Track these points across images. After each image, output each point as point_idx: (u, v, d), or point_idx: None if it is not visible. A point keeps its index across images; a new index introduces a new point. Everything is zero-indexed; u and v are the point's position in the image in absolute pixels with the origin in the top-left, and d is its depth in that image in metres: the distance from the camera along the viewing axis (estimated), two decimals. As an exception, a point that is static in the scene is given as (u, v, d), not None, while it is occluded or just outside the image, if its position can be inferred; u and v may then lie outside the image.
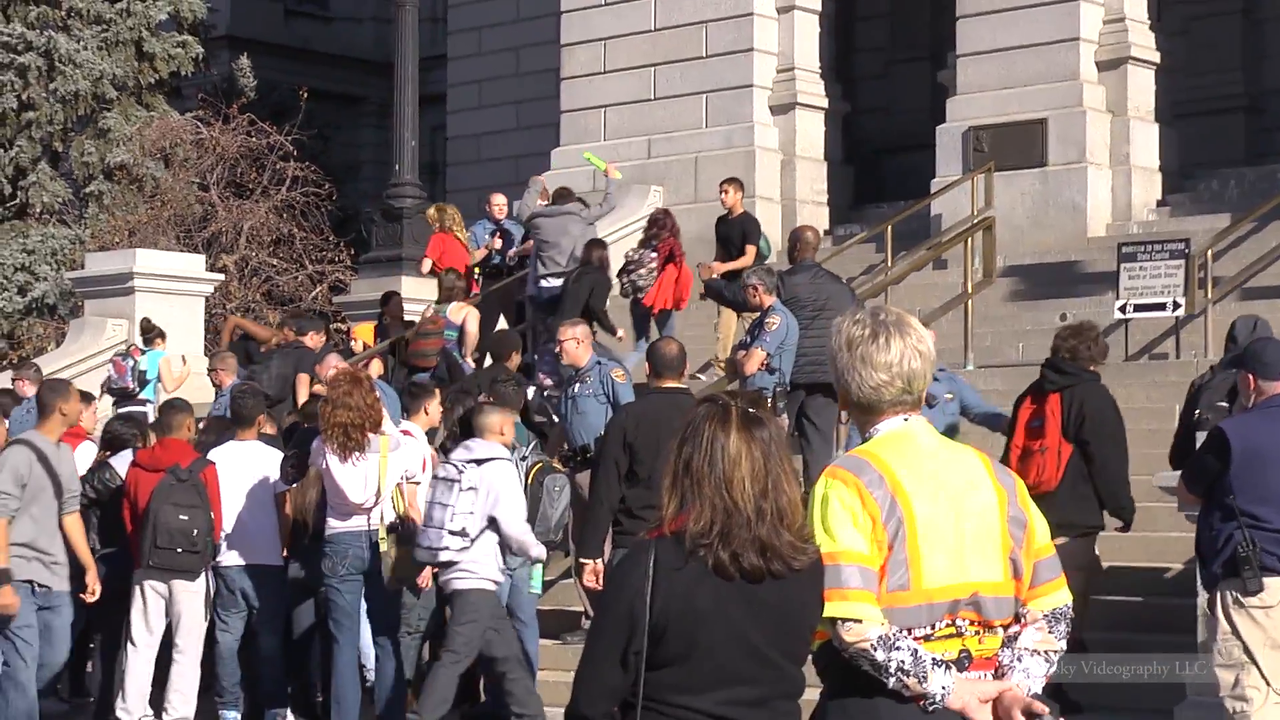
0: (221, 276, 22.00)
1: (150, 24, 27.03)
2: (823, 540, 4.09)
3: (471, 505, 9.55)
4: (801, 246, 13.12)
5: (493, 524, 9.67)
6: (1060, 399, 9.84)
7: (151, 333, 17.91)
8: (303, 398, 14.86)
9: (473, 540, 9.57)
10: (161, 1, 27.29)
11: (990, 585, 4.19)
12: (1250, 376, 7.91)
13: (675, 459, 4.06)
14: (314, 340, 16.08)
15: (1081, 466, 9.75)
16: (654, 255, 16.29)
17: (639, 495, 9.04)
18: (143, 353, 17.66)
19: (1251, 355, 8.01)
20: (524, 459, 10.67)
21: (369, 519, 10.12)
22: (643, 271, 16.17)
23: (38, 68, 26.27)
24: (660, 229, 16.33)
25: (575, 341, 11.88)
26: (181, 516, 10.54)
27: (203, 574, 10.80)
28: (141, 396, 17.24)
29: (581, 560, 9.67)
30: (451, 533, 9.56)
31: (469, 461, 9.78)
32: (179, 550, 10.57)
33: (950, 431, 10.95)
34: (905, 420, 4.32)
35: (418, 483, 10.56)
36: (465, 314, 16.68)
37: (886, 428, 4.31)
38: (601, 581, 9.25)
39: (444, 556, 9.65)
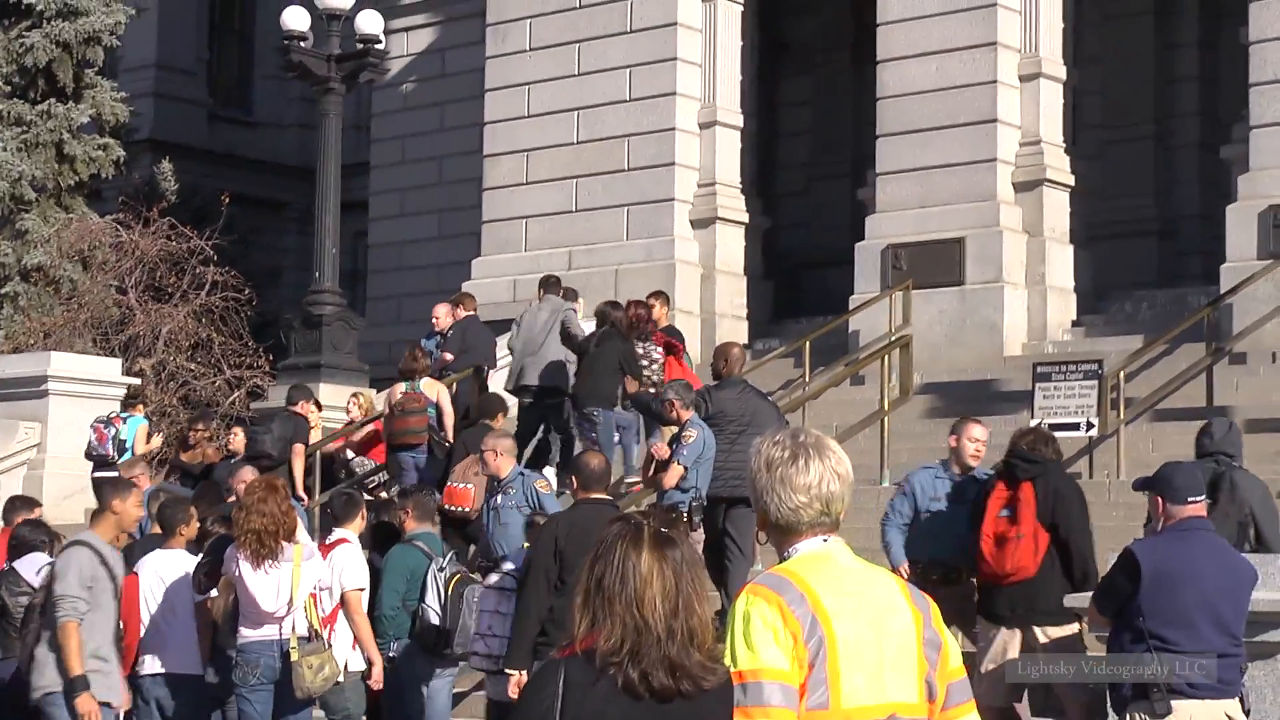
0: (138, 381, 21.83)
1: (72, 126, 26.95)
2: (744, 656, 4.09)
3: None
4: (729, 362, 13.17)
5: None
6: (1033, 486, 9.82)
7: (135, 399, 18.10)
8: (298, 467, 15.40)
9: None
10: (84, 104, 27.24)
11: (907, 707, 4.20)
12: (1159, 500, 7.98)
13: (587, 577, 4.07)
14: (304, 408, 16.75)
15: (1054, 553, 9.78)
16: (658, 349, 16.41)
17: (568, 606, 9.01)
18: (123, 420, 17.83)
19: (1162, 480, 8.07)
20: (441, 569, 10.65)
21: (280, 628, 10.03)
22: (655, 366, 16.22)
23: (-44, 168, 26.13)
24: (641, 321, 16.37)
25: (494, 454, 11.87)
26: None
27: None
28: (121, 463, 17.34)
29: (507, 670, 9.58)
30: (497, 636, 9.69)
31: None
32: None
33: None
34: (825, 541, 4.34)
35: (361, 589, 10.55)
36: (438, 390, 16.63)
37: (806, 548, 4.32)
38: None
39: (474, 663, 9.87)
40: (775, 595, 4.17)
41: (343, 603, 10.48)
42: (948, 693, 4.29)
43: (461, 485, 13.79)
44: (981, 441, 10.86)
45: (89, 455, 17.74)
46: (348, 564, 10.56)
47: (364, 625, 10.40)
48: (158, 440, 18.22)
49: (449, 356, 17.93)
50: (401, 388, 16.49)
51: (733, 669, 4.09)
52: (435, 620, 10.50)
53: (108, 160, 27.24)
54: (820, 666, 4.11)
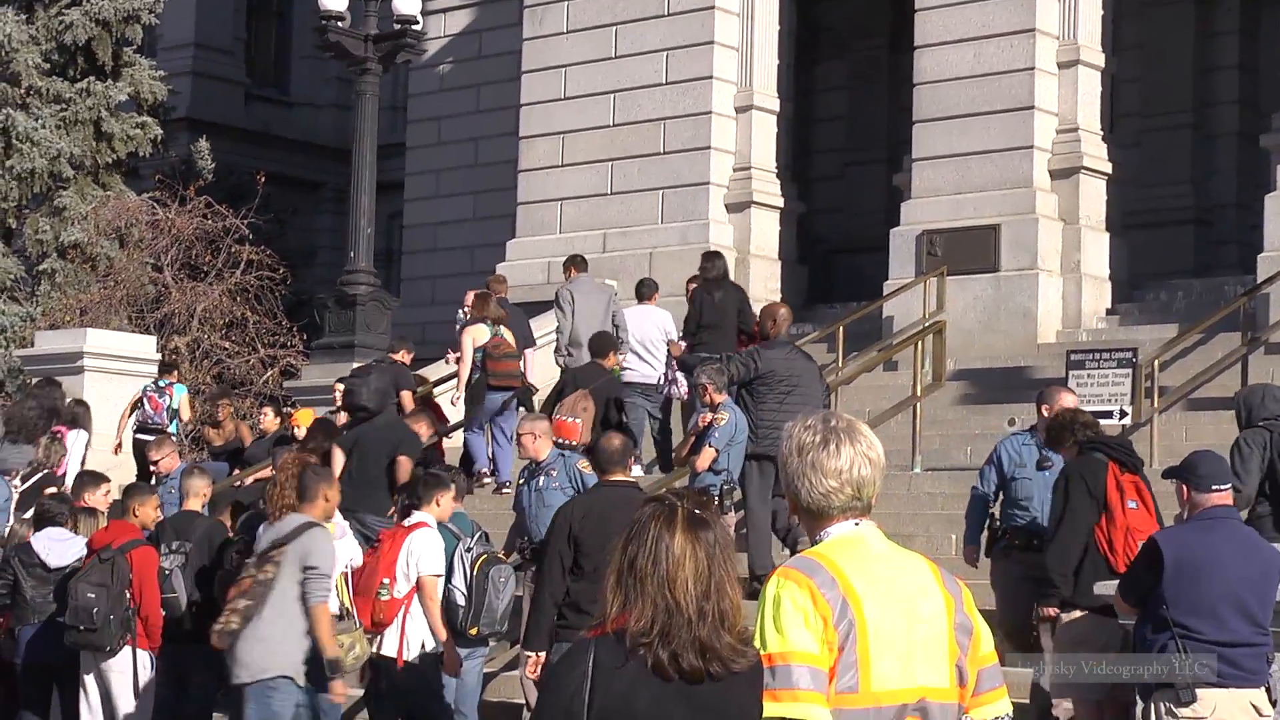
0: (163, 379, 21.90)
1: (110, 104, 27.06)
2: (773, 639, 4.10)
3: None
4: (777, 322, 13.14)
5: None
6: (1140, 477, 9.62)
7: (172, 367, 18.50)
8: (408, 405, 15.70)
9: None
10: (122, 83, 27.34)
11: (937, 691, 4.20)
12: (1184, 487, 7.96)
13: (620, 557, 4.07)
14: (405, 356, 17.02)
15: None
16: None
17: (585, 590, 8.96)
18: (172, 388, 18.33)
19: (1187, 466, 8.05)
20: (469, 550, 10.63)
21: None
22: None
23: (-6, 145, 26.26)
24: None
25: (532, 436, 11.79)
26: (89, 594, 10.78)
27: (125, 651, 10.83)
28: (169, 431, 17.83)
29: (525, 653, 9.63)
30: None
31: None
32: (80, 627, 10.84)
33: None
34: (856, 525, 4.34)
35: (438, 575, 10.39)
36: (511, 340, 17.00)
37: (838, 531, 4.33)
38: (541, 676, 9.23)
39: None
40: (806, 578, 4.17)
41: (418, 587, 10.35)
42: (979, 678, 4.29)
43: (571, 419, 13.85)
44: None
45: (144, 425, 18.01)
46: (425, 549, 10.35)
47: (436, 611, 10.29)
48: (190, 416, 18.59)
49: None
50: (484, 331, 16.64)
51: (762, 652, 4.10)
52: (460, 601, 10.48)
53: (145, 138, 27.34)
54: (850, 650, 4.12)
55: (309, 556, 9.41)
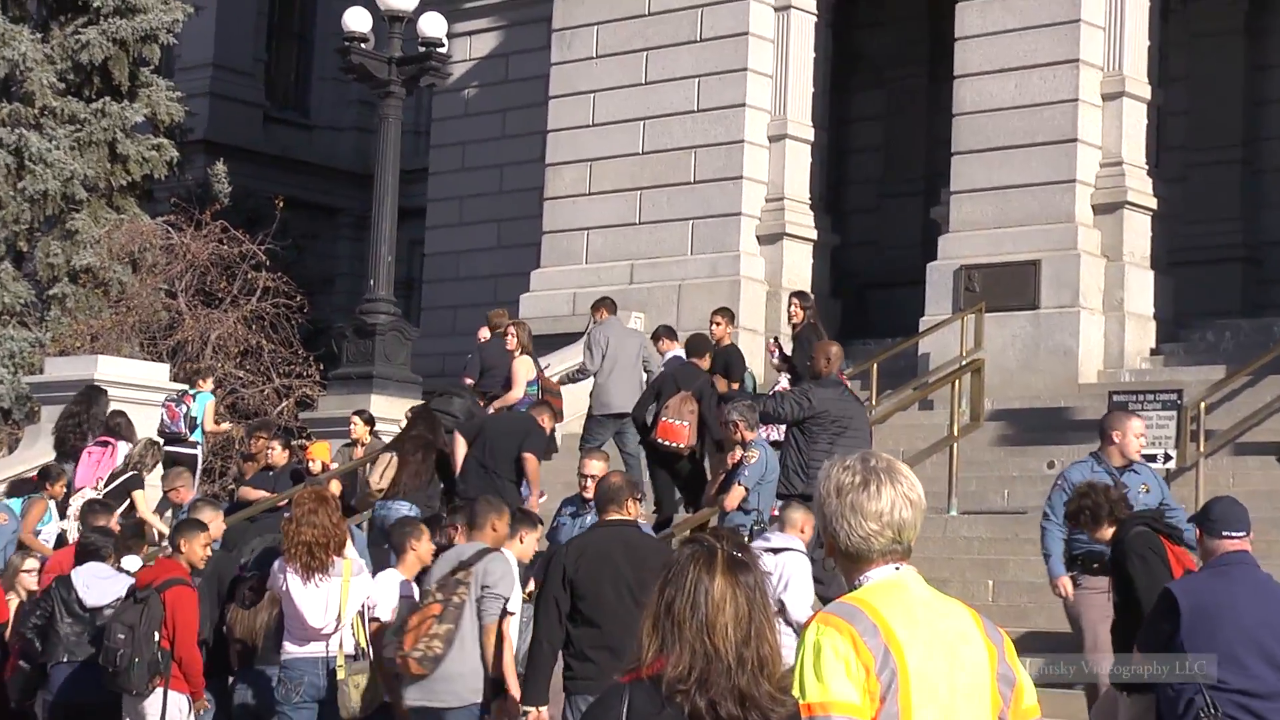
0: (185, 387, 21.95)
1: (125, 125, 27.17)
2: (813, 688, 4.07)
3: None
4: (830, 361, 13.17)
5: (781, 608, 9.88)
6: (1185, 547, 9.49)
7: (198, 375, 18.83)
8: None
9: None
10: (138, 103, 27.46)
11: (979, 744, 4.18)
12: (1200, 533, 8.04)
13: (658, 600, 4.06)
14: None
15: None
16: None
17: (588, 635, 8.77)
18: (193, 397, 18.45)
19: (1203, 512, 8.18)
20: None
21: (328, 645, 10.05)
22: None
23: (6, 165, 26.34)
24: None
25: (593, 479, 11.74)
26: (119, 635, 10.73)
27: (156, 694, 10.77)
28: (192, 439, 18.10)
29: (524, 708, 9.22)
30: None
31: (767, 550, 10.38)
32: (110, 669, 10.81)
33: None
34: (897, 569, 4.31)
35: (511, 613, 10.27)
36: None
37: (878, 576, 4.30)
38: None
39: None
40: (847, 625, 4.14)
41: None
42: (1021, 732, 4.26)
43: (677, 422, 13.83)
44: (1145, 435, 11.20)
45: (161, 433, 18.18)
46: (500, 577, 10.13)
47: (506, 650, 10.01)
48: (227, 426, 18.63)
49: (469, 380, 17.94)
50: (532, 365, 17.03)
51: (801, 701, 4.07)
52: None
53: (161, 161, 27.45)
54: (892, 700, 4.09)
55: (487, 576, 9.63)
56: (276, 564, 10.02)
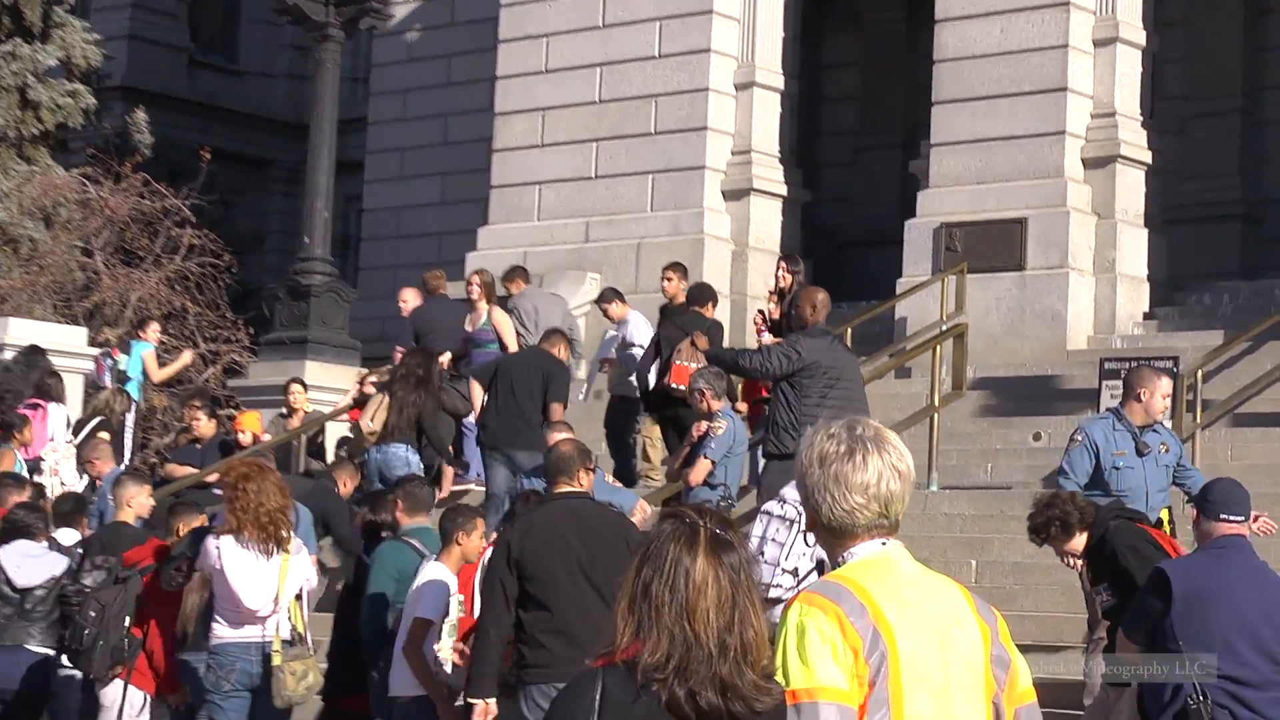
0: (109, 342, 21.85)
1: (37, 69, 26.94)
2: (798, 674, 4.06)
3: (805, 546, 9.51)
4: (816, 309, 13.00)
5: (820, 566, 9.87)
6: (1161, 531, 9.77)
7: (144, 325, 18.81)
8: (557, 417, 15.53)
9: (800, 580, 9.55)
10: (51, 45, 27.25)
11: (973, 731, 4.18)
12: (1196, 514, 8.26)
13: (634, 580, 4.03)
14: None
15: None
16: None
17: (538, 620, 8.68)
18: (123, 350, 18.35)
19: (1202, 492, 8.35)
20: None
21: (264, 629, 10.02)
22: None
23: (-92, 114, 26.18)
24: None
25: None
26: (90, 613, 10.76)
27: (115, 685, 10.79)
28: (129, 393, 17.86)
29: (470, 700, 9.17)
30: (784, 570, 9.53)
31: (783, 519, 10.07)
32: (74, 646, 10.86)
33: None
34: (883, 544, 4.31)
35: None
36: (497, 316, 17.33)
37: (863, 552, 4.29)
38: None
39: (774, 594, 9.67)
40: (833, 605, 4.13)
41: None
42: (1016, 718, 4.27)
43: (692, 364, 14.16)
44: (1170, 395, 11.33)
45: (90, 388, 18.19)
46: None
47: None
48: (188, 357, 18.56)
49: (400, 349, 17.92)
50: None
51: (785, 688, 4.06)
52: None
53: (76, 108, 27.23)
54: (881, 685, 4.08)
55: None
56: (210, 540, 9.98)
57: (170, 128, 31.50)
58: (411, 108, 28.96)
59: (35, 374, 17.38)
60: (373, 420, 14.82)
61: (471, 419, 16.02)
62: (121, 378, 18.11)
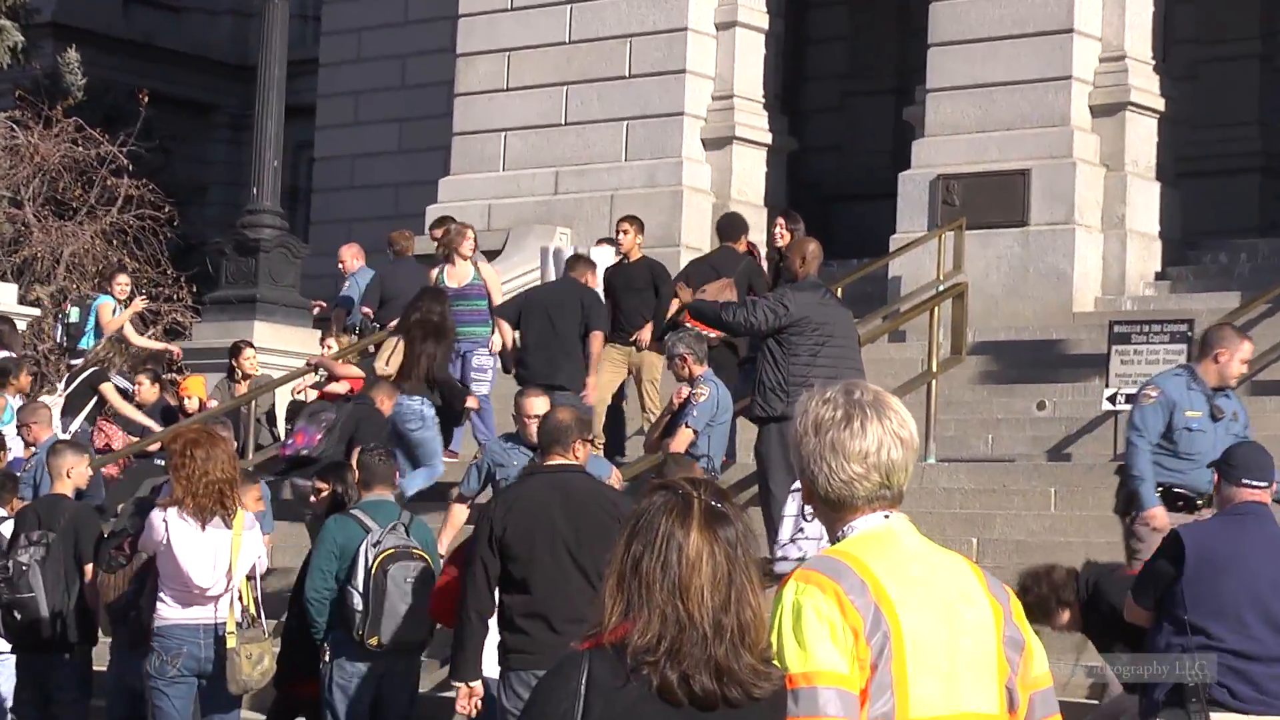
0: (35, 311, 21.79)
1: (-40, 5, 26.88)
2: (795, 657, 4.07)
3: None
4: (806, 260, 12.89)
5: None
6: None
7: (112, 278, 19.10)
8: (596, 347, 15.87)
9: None
10: (-25, -21, 27.17)
11: (985, 718, 4.20)
12: (1217, 478, 8.37)
13: (623, 556, 4.02)
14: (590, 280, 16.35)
15: None
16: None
17: (518, 602, 8.67)
18: (75, 304, 18.64)
19: (1223, 457, 8.47)
20: (376, 544, 10.44)
21: (215, 609, 10.01)
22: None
23: None
24: None
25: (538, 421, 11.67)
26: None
27: None
28: (81, 348, 18.09)
29: (454, 683, 9.26)
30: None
31: None
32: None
33: None
34: (886, 517, 4.32)
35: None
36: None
37: (864, 525, 4.30)
38: (482, 706, 9.13)
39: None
40: (831, 583, 4.13)
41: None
42: (1031, 703, 4.28)
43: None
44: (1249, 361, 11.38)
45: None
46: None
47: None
48: (139, 304, 18.68)
49: (367, 310, 17.88)
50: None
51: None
52: (358, 605, 10.37)
53: (3, 47, 27.14)
54: (885, 668, 4.09)
55: None
56: (154, 514, 9.96)
57: (105, 69, 31.39)
58: (366, 48, 28.86)
59: None
60: (388, 364, 14.95)
61: (486, 357, 16.45)
62: (71, 331, 18.17)
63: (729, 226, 16.88)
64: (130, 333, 18.38)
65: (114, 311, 18.42)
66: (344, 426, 14.02)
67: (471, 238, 17.48)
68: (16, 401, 15.72)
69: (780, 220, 17.45)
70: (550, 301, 15.33)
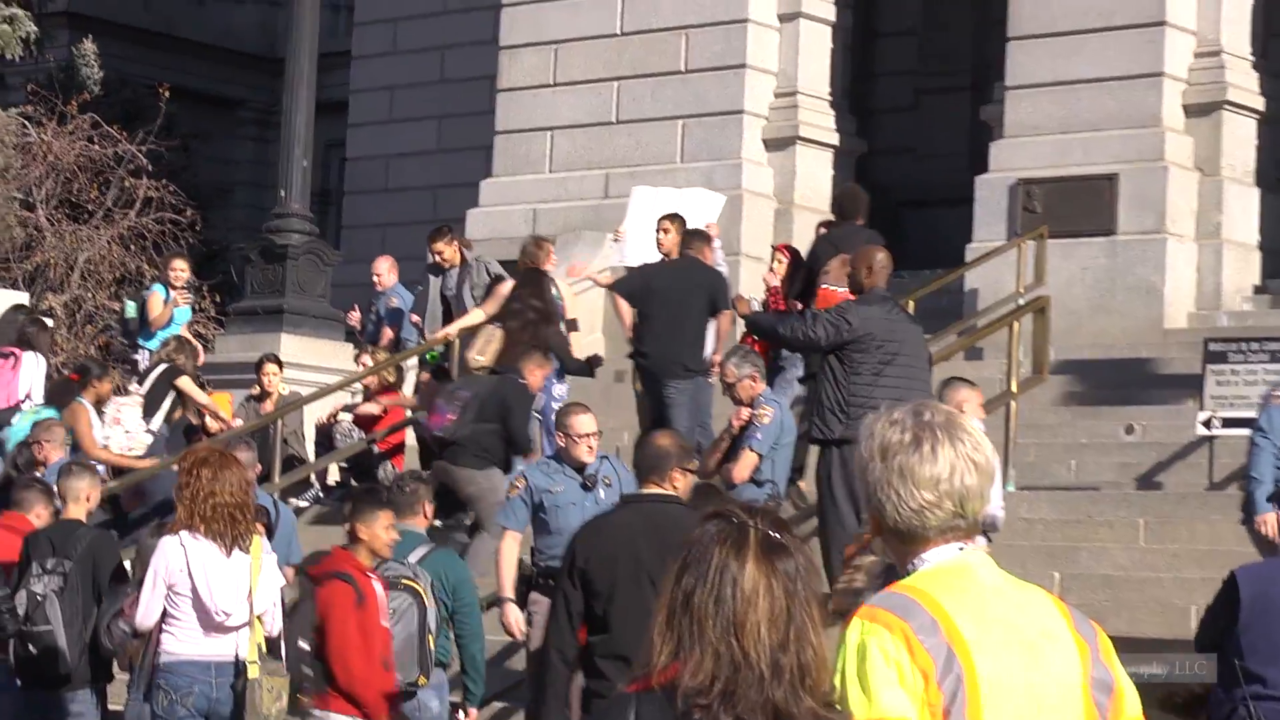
0: (48, 322, 21.87)
1: (-30, -7, 27.08)
2: (859, 702, 4.04)
3: None
4: (874, 271, 12.82)
5: None
6: None
7: (170, 263, 19.12)
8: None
9: None
10: (-14, -35, 27.35)
11: (1069, 767, 4.18)
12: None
13: (673, 590, 4.02)
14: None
15: None
16: None
17: (600, 643, 8.60)
18: (130, 299, 18.97)
19: None
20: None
21: (236, 644, 10.01)
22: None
23: None
24: None
25: (591, 439, 11.61)
26: None
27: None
28: (141, 344, 18.30)
29: None
30: None
31: None
32: None
33: None
34: (960, 550, 4.29)
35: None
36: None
37: (936, 558, 4.27)
38: None
39: None
40: (899, 621, 4.11)
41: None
42: (1122, 749, 4.26)
43: (839, 289, 14.53)
44: None
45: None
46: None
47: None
48: (168, 307, 18.73)
49: (415, 319, 17.99)
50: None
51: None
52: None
53: (14, 36, 27.31)
54: (958, 713, 4.06)
55: None
56: (166, 540, 9.99)
57: (123, 61, 31.58)
58: (402, 39, 28.96)
59: (20, 321, 17.72)
60: (481, 354, 15.24)
61: (563, 386, 16.66)
62: (128, 328, 18.42)
63: (850, 202, 17.08)
64: (187, 385, 18.09)
65: (164, 303, 18.49)
66: (487, 401, 14.59)
67: (552, 253, 17.60)
68: (94, 408, 16.03)
69: (781, 248, 17.55)
70: (675, 283, 15.52)
